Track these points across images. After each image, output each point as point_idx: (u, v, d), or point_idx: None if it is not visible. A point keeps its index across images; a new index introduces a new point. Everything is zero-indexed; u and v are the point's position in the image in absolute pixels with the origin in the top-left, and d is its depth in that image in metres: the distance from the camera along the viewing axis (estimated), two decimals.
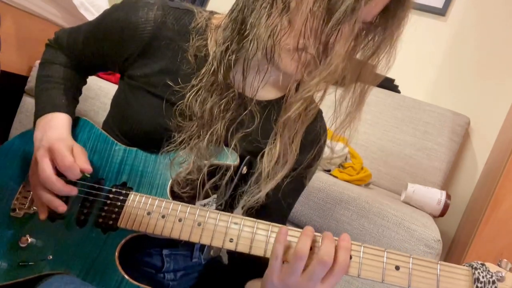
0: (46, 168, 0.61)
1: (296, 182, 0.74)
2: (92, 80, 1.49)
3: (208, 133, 0.63)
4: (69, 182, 0.63)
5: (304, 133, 0.67)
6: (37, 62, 0.84)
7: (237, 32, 0.60)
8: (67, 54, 0.78)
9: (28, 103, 1.59)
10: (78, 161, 0.63)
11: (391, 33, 0.59)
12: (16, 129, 1.60)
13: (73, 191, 0.63)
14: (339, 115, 0.62)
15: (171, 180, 0.65)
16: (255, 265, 0.69)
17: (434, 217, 1.38)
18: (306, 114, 0.63)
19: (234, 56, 0.61)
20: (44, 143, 0.64)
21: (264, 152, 0.67)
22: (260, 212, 0.68)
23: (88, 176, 0.65)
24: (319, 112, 0.78)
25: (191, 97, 0.63)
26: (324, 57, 0.56)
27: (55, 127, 0.68)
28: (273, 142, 0.66)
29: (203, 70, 0.64)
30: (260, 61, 0.59)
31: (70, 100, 0.76)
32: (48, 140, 0.64)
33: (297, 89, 0.63)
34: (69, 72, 0.78)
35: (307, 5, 0.53)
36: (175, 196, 0.66)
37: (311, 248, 0.53)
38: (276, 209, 0.74)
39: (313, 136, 0.75)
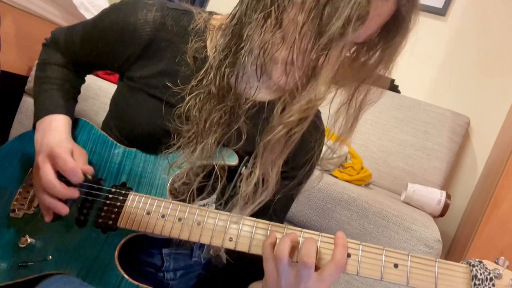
0: (47, 172, 0.62)
1: (286, 199, 0.74)
2: (92, 80, 1.49)
3: (201, 145, 0.63)
4: (70, 185, 0.64)
5: (298, 148, 0.65)
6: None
7: (234, 43, 0.59)
8: (64, 53, 0.78)
9: (28, 103, 1.59)
10: (78, 163, 0.64)
11: (389, 55, 0.59)
12: (16, 129, 1.60)
13: (75, 193, 0.64)
14: (333, 132, 0.61)
15: (171, 180, 0.66)
16: (255, 267, 0.69)
17: (434, 217, 1.38)
18: (289, 138, 0.60)
19: (228, 70, 0.60)
20: (44, 148, 0.65)
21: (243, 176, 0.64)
22: None
23: (90, 177, 0.66)
24: (315, 124, 0.76)
25: (190, 101, 0.63)
26: (312, 79, 0.56)
27: (55, 130, 0.68)
28: (253, 166, 0.63)
29: (201, 73, 0.64)
30: (251, 76, 0.59)
31: (69, 100, 0.76)
32: (48, 145, 0.65)
33: (282, 111, 0.61)
34: (67, 72, 0.77)
35: (297, 25, 0.53)
36: (177, 199, 0.66)
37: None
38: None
39: (306, 151, 0.73)
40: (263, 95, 0.70)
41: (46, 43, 0.81)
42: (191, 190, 0.64)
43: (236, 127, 0.64)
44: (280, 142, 0.60)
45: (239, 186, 0.63)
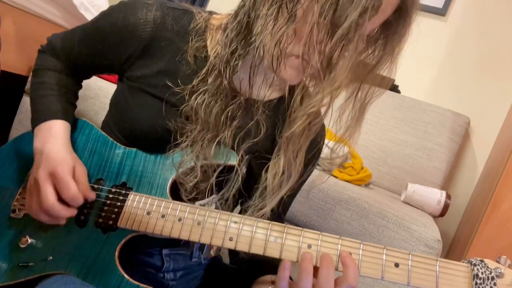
0: (49, 197, 0.61)
1: (291, 197, 0.76)
2: (92, 80, 1.48)
3: (215, 141, 0.63)
4: None
5: (307, 146, 0.67)
6: None
7: (243, 37, 0.59)
8: (61, 59, 0.77)
9: (28, 103, 1.58)
10: (80, 187, 0.63)
11: (392, 48, 0.59)
12: (16, 129, 1.60)
13: (74, 213, 0.64)
14: (339, 129, 0.62)
15: (171, 180, 0.66)
16: (256, 269, 0.69)
17: (434, 217, 1.38)
18: (310, 128, 0.62)
19: (240, 62, 0.60)
20: (45, 161, 0.63)
21: (268, 166, 0.67)
22: None
23: (90, 200, 0.66)
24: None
25: (196, 100, 0.63)
26: (328, 72, 0.55)
27: (55, 137, 0.67)
28: (277, 157, 0.66)
29: (204, 71, 0.64)
30: (266, 70, 0.59)
31: (67, 106, 0.75)
32: (49, 158, 0.64)
33: (301, 103, 0.63)
34: (64, 78, 0.76)
35: (312, 16, 0.52)
36: (175, 196, 0.66)
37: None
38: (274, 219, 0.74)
39: (314, 147, 0.74)
40: (278, 88, 0.70)
41: (42, 49, 0.80)
42: (208, 187, 0.65)
43: (255, 120, 0.65)
44: (302, 133, 0.62)
45: (264, 181, 0.65)
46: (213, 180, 0.65)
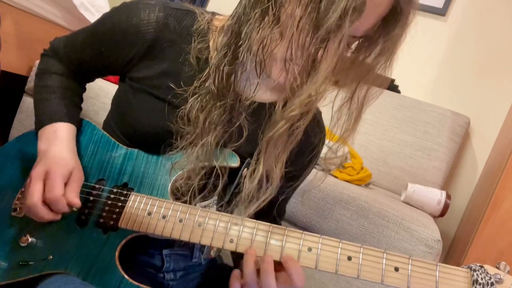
0: (35, 194, 0.60)
1: (286, 198, 0.77)
2: None
3: (199, 144, 0.63)
4: None
5: (303, 147, 0.65)
6: (37, 62, 0.83)
7: (233, 41, 0.60)
8: (64, 62, 0.77)
9: (28, 103, 1.59)
10: (68, 193, 0.62)
11: (389, 48, 0.59)
12: (16, 129, 1.60)
13: (56, 217, 0.63)
14: (336, 129, 0.61)
15: (172, 181, 0.66)
16: None
17: (434, 217, 1.38)
18: (291, 133, 0.60)
19: (228, 68, 0.60)
20: (44, 161, 0.64)
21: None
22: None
23: (76, 210, 0.65)
24: (318, 124, 0.78)
25: (192, 103, 0.63)
26: (312, 73, 0.56)
27: (60, 140, 0.67)
28: (256, 162, 0.63)
29: (204, 74, 0.64)
30: (251, 73, 0.59)
31: (72, 108, 0.75)
32: (49, 158, 0.64)
33: (283, 106, 0.63)
34: (67, 81, 0.76)
35: (295, 20, 0.53)
36: (176, 197, 0.66)
37: None
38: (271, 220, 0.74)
39: (310, 150, 0.74)
40: (264, 94, 0.70)
41: (45, 53, 0.80)
42: (191, 189, 0.64)
43: (237, 125, 0.65)
44: (282, 137, 0.59)
45: (243, 185, 0.63)
46: (196, 182, 0.64)
